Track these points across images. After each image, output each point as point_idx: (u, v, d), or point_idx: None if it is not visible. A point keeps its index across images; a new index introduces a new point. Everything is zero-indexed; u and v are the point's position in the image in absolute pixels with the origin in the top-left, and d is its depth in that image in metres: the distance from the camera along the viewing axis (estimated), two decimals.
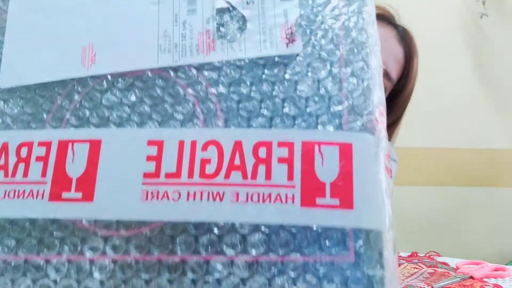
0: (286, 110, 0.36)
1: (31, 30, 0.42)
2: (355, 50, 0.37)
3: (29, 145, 0.38)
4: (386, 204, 0.34)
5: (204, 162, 0.35)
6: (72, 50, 0.40)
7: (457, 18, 1.78)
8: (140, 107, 0.38)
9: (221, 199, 0.34)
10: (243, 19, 0.39)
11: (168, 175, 0.35)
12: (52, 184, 0.36)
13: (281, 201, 0.33)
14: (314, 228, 0.33)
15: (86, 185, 0.36)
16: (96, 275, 0.34)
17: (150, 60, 0.39)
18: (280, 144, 0.35)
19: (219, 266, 0.33)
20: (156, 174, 0.35)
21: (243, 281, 0.33)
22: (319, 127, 0.35)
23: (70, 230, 0.35)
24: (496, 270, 0.67)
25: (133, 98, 0.38)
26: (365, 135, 0.35)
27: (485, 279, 0.64)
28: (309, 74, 0.37)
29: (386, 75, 0.87)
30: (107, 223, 0.35)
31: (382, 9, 0.92)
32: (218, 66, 0.38)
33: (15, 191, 0.37)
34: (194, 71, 0.38)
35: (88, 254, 0.34)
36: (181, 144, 0.36)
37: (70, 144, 0.37)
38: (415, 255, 0.77)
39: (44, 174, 0.36)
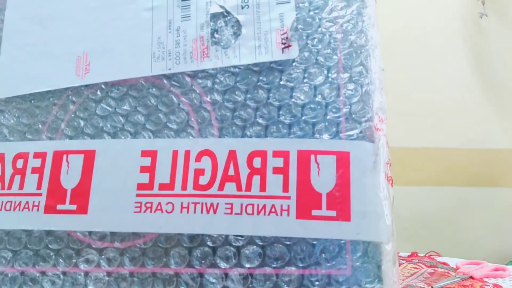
0: (281, 118, 0.35)
1: (27, 39, 0.42)
2: (354, 54, 0.36)
3: (25, 156, 0.38)
4: (386, 214, 0.33)
5: (198, 172, 0.34)
6: (66, 59, 0.40)
7: (457, 18, 1.78)
8: (134, 117, 0.37)
9: (215, 211, 0.33)
10: (238, 24, 0.38)
11: (162, 187, 0.34)
12: (47, 196, 0.36)
13: (276, 213, 0.32)
14: (310, 240, 0.32)
15: (80, 197, 0.35)
16: (91, 287, 0.34)
17: (144, 68, 0.38)
18: (275, 154, 0.34)
19: (213, 279, 0.32)
20: (150, 185, 0.35)
21: None
22: (316, 135, 0.34)
23: (65, 242, 0.35)
24: (496, 270, 0.67)
25: (127, 107, 0.38)
26: (364, 143, 0.34)
27: (485, 279, 0.64)
28: (306, 80, 0.36)
29: None
30: (102, 235, 0.35)
31: None
32: (212, 73, 0.37)
33: (11, 203, 0.37)
34: (188, 79, 0.37)
35: (83, 266, 0.34)
36: (175, 154, 0.35)
37: (64, 156, 0.37)
38: (415, 255, 0.77)
39: (39, 186, 0.36)
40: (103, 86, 0.39)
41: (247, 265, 0.32)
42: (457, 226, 1.81)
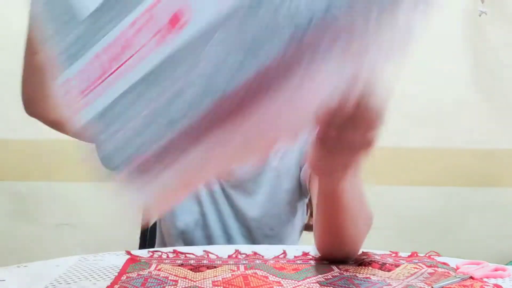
0: None
1: None
2: None
3: None
4: None
5: None
6: None
7: (456, 17, 1.78)
8: None
9: None
10: None
11: None
12: None
13: None
14: None
15: None
16: None
17: None
18: None
19: None
20: None
21: None
22: None
23: None
24: (496, 270, 0.67)
25: None
26: None
27: (485, 279, 0.64)
28: None
29: None
30: None
31: None
32: None
33: None
34: None
35: None
36: None
37: None
38: (415, 255, 0.77)
39: None
40: None
41: None
42: (457, 226, 1.81)
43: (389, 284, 0.61)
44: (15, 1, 1.66)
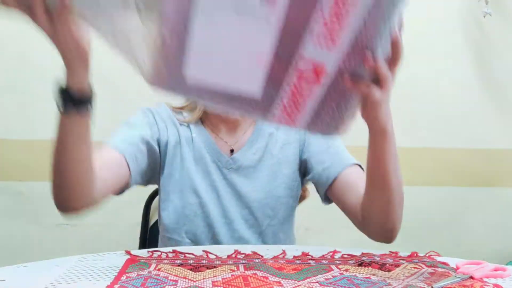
0: None
1: None
2: None
3: None
4: None
5: None
6: None
7: (459, 18, 1.78)
8: None
9: None
10: None
11: None
12: None
13: None
14: None
15: None
16: None
17: None
18: None
19: None
20: None
21: None
22: None
23: None
24: (496, 270, 0.67)
25: None
26: None
27: (485, 279, 0.64)
28: None
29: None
30: None
31: None
32: None
33: None
34: None
35: None
36: None
37: None
38: (415, 255, 0.77)
39: None
40: None
41: None
42: (457, 226, 1.81)
43: (389, 284, 0.61)
44: None
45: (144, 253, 0.74)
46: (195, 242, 0.93)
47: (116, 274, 0.63)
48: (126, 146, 0.86)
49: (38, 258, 0.71)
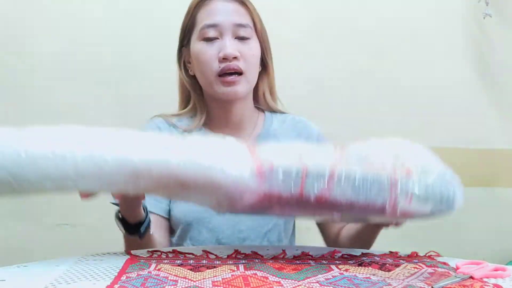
0: None
1: None
2: None
3: None
4: None
5: None
6: None
7: (459, 19, 1.78)
8: None
9: None
10: None
11: None
12: None
13: None
14: None
15: None
16: None
17: None
18: None
19: None
20: None
21: None
22: None
23: None
24: (496, 270, 0.67)
25: None
26: None
27: (485, 279, 0.64)
28: None
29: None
30: None
31: None
32: None
33: None
34: None
35: None
36: None
37: None
38: (415, 255, 0.77)
39: None
40: None
41: None
42: (457, 226, 1.81)
43: (389, 284, 0.61)
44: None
45: (144, 253, 0.74)
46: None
47: (116, 274, 0.63)
48: (155, 203, 0.95)
49: (38, 258, 0.71)
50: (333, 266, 0.68)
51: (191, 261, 0.70)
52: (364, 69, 1.75)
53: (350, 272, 0.66)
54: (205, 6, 0.97)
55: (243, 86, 0.95)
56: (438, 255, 0.76)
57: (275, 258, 0.73)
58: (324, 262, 0.71)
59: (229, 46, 0.93)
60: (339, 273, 0.65)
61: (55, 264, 0.67)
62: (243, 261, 0.70)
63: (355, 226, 0.91)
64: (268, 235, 0.96)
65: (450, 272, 0.66)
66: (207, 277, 0.62)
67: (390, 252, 0.78)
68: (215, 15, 0.95)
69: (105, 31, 1.67)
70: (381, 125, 1.73)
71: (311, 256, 0.75)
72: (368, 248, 0.90)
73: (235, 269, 0.65)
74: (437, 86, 1.78)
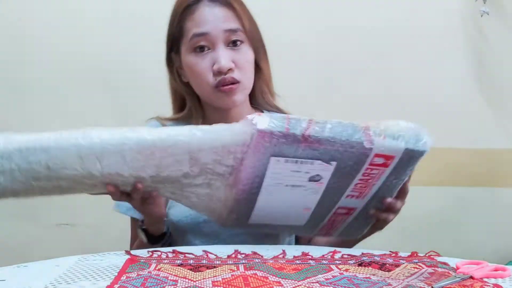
0: None
1: None
2: None
3: None
4: None
5: None
6: None
7: (457, 17, 1.78)
8: None
9: None
10: None
11: None
12: None
13: None
14: None
15: None
16: None
17: None
18: None
19: None
20: None
21: None
22: None
23: None
24: (496, 270, 0.67)
25: None
26: None
27: (485, 279, 0.64)
28: None
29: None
30: None
31: None
32: None
33: None
34: None
35: None
36: None
37: None
38: (415, 255, 0.77)
39: None
40: None
41: None
42: (457, 226, 1.81)
43: (389, 284, 0.61)
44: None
45: (144, 253, 0.74)
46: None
47: (116, 274, 0.63)
48: None
49: (38, 258, 0.71)
50: (333, 266, 0.68)
51: (191, 261, 0.70)
52: (363, 69, 1.75)
53: (350, 272, 0.66)
54: (191, 14, 0.93)
55: (241, 94, 0.95)
56: (438, 255, 0.76)
57: (275, 258, 0.73)
58: (324, 262, 0.71)
59: (223, 58, 0.90)
60: (339, 273, 0.65)
61: (55, 264, 0.67)
62: (243, 261, 0.70)
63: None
64: (265, 240, 0.95)
65: (450, 272, 0.66)
66: (207, 277, 0.62)
67: (390, 252, 0.78)
68: (204, 23, 0.92)
69: (106, 32, 1.67)
70: None
71: (311, 256, 0.75)
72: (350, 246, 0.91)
73: (235, 269, 0.65)
74: (436, 85, 1.78)
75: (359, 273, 0.66)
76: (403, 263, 0.70)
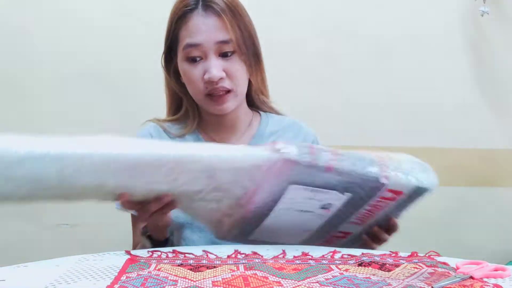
0: None
1: None
2: None
3: None
4: None
5: None
6: None
7: (457, 17, 1.78)
8: None
9: None
10: None
11: None
12: None
13: None
14: None
15: None
16: None
17: None
18: None
19: None
20: None
21: None
22: None
23: None
24: (496, 270, 0.67)
25: None
26: None
27: (485, 279, 0.64)
28: None
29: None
30: None
31: None
32: None
33: None
34: None
35: None
36: None
37: None
38: (415, 255, 0.77)
39: None
40: None
41: None
42: (457, 226, 1.81)
43: (389, 284, 0.61)
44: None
45: (144, 253, 0.74)
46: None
47: (116, 274, 0.63)
48: None
49: (38, 258, 0.71)
50: (333, 266, 0.68)
51: (191, 261, 0.70)
52: (363, 68, 1.75)
53: (350, 272, 0.66)
54: (185, 23, 0.93)
55: (232, 102, 0.95)
56: (438, 255, 0.76)
57: (275, 258, 0.73)
58: (324, 262, 0.71)
59: (214, 68, 0.91)
60: (339, 273, 0.65)
61: (55, 264, 0.67)
62: (243, 261, 0.70)
63: None
64: None
65: (450, 272, 0.66)
66: (207, 277, 0.62)
67: (390, 252, 0.78)
68: (197, 33, 0.92)
69: (106, 32, 1.67)
70: (380, 125, 1.73)
71: (311, 256, 0.75)
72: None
73: (235, 269, 0.65)
74: (436, 85, 1.78)
75: (359, 273, 0.66)
76: (403, 263, 0.70)
